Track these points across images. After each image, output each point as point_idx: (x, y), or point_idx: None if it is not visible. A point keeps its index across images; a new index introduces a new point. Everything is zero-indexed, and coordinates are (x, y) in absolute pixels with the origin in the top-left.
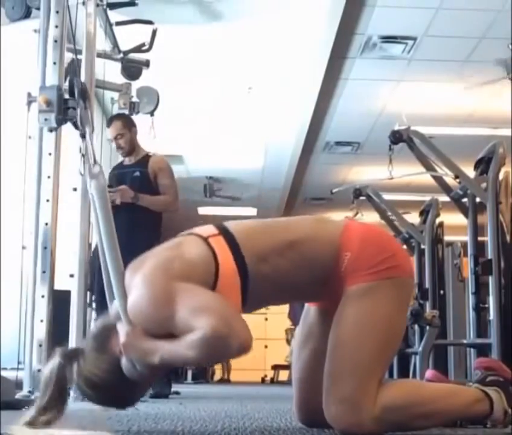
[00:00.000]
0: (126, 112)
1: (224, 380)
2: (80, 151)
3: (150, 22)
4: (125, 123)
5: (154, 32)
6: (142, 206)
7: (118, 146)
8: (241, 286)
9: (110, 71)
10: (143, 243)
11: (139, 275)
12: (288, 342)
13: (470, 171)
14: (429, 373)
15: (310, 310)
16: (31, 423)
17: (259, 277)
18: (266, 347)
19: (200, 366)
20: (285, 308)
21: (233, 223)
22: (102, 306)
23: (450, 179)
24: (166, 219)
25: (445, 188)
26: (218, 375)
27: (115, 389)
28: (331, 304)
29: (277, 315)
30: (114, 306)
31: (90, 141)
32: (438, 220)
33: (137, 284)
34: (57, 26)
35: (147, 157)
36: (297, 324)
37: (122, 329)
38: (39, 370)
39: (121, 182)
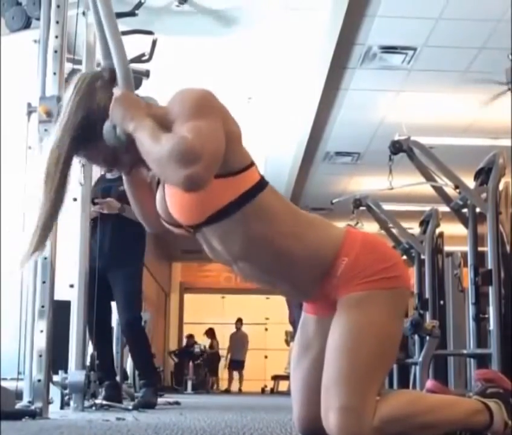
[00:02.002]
0: None
1: (226, 391)
2: (80, 162)
3: (150, 32)
4: None
5: (154, 43)
6: (127, 218)
7: None
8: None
9: None
10: (128, 252)
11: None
12: (287, 342)
13: (470, 182)
14: (429, 383)
15: (307, 320)
16: None
17: (248, 217)
18: (266, 357)
19: (157, 169)
20: (285, 318)
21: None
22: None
23: (450, 190)
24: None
25: (445, 199)
26: (223, 385)
27: (91, 132)
28: (328, 312)
29: (277, 325)
30: None
31: None
32: (438, 231)
33: (195, 88)
34: (57, 37)
35: None
36: (296, 328)
37: (118, 91)
38: (39, 380)
39: (106, 196)
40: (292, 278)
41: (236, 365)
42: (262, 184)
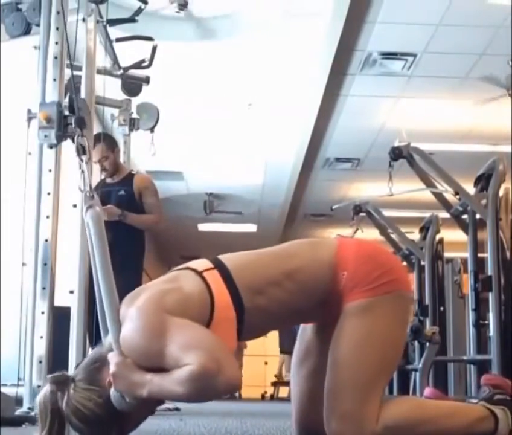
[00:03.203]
0: (126, 128)
1: (229, 397)
2: (80, 168)
3: (150, 39)
4: (109, 145)
5: (154, 49)
6: (126, 223)
7: (102, 168)
8: (236, 319)
9: (110, 87)
10: (128, 257)
11: (133, 307)
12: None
13: (470, 188)
14: (428, 391)
15: (306, 327)
16: None
17: (255, 309)
18: (266, 363)
19: (189, 402)
20: None
21: (227, 256)
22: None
23: (450, 196)
24: (167, 235)
25: (445, 205)
26: None
27: (104, 422)
28: (327, 320)
29: (277, 331)
30: (107, 337)
31: (86, 169)
32: (438, 237)
33: (131, 316)
34: (57, 43)
35: (130, 175)
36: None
37: (112, 359)
38: (39, 386)
39: (106, 200)
40: (300, 315)
41: None
42: (227, 274)
